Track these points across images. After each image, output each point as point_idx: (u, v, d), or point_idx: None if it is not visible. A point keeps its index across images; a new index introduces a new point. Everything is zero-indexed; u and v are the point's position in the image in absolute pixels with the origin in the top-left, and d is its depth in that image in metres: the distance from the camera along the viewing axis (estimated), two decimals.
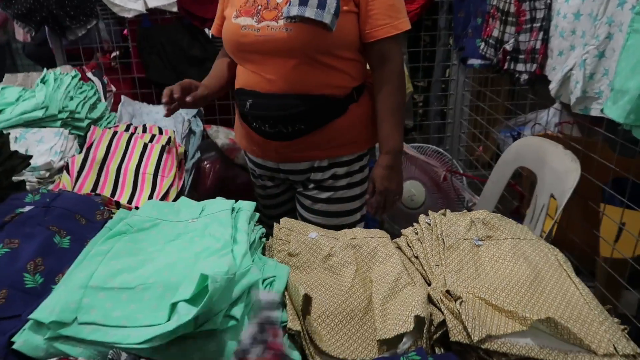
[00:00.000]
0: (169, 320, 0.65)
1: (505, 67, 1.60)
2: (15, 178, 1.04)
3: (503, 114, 2.35)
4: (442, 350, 0.72)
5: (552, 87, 1.34)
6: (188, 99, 1.27)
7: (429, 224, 0.97)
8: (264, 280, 0.77)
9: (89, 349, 0.63)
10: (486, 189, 1.73)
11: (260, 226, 0.96)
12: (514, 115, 2.28)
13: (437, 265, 0.87)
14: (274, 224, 0.99)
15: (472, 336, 0.67)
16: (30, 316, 0.65)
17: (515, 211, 1.81)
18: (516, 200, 1.85)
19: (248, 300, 0.70)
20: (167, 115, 1.28)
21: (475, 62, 1.96)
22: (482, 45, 1.79)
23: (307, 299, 0.72)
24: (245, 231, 0.83)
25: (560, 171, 1.33)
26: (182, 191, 1.34)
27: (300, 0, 1.11)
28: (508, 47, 1.57)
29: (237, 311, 0.66)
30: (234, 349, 0.65)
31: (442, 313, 0.73)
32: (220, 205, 0.92)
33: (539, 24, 1.43)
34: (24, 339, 0.64)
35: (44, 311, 0.66)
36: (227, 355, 0.64)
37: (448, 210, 1.01)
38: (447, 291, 0.75)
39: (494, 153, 2.33)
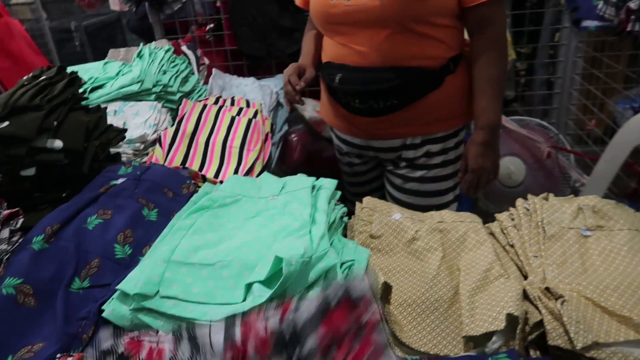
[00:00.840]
0: (244, 300, 0.64)
1: (629, 28, 1.38)
2: (112, 150, 1.10)
3: (622, 84, 2.07)
4: (537, 353, 0.64)
5: None
6: (299, 86, 1.24)
7: (528, 210, 0.87)
8: (342, 264, 0.73)
9: (169, 322, 0.65)
10: (598, 168, 1.55)
11: (342, 205, 0.92)
12: (635, 85, 2.00)
13: (536, 257, 0.78)
14: (356, 203, 0.95)
15: (575, 342, 0.59)
16: (117, 287, 0.68)
17: (631, 194, 1.61)
18: (633, 182, 1.63)
19: (325, 284, 0.67)
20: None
21: (591, 23, 1.73)
22: (601, 3, 1.57)
23: (387, 287, 0.68)
24: (325, 211, 0.80)
25: None
26: (268, 165, 1.35)
27: None
28: (633, 5, 1.36)
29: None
30: None
31: (540, 312, 0.65)
32: (301, 182, 0.90)
33: None
34: (112, 308, 0.67)
35: (130, 283, 0.68)
36: None
37: (551, 195, 0.90)
38: (547, 288, 0.67)
39: (608, 127, 2.08)
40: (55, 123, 0.89)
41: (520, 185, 2.07)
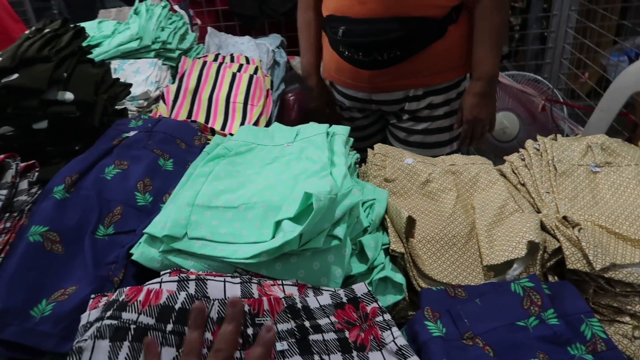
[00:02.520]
0: (273, 237, 0.66)
1: None
2: (117, 106, 1.09)
3: (613, 36, 2.09)
4: (555, 279, 0.68)
5: None
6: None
7: (538, 150, 0.89)
8: (363, 203, 0.75)
9: (199, 262, 0.66)
10: (593, 118, 1.58)
11: (355, 151, 0.93)
12: (626, 37, 2.02)
13: (548, 193, 0.80)
14: (368, 149, 0.96)
15: (594, 264, 0.62)
16: (145, 230, 0.69)
17: (623, 141, 1.64)
18: (627, 131, 1.67)
19: (350, 221, 0.69)
20: None
21: None
22: None
23: (411, 222, 0.70)
24: (343, 154, 0.81)
25: None
26: (269, 121, 1.34)
27: None
28: None
29: (339, 231, 0.66)
30: (337, 268, 0.65)
31: (558, 240, 0.68)
32: (314, 129, 0.91)
33: None
34: (141, 251, 0.68)
35: (157, 226, 0.69)
36: (331, 273, 0.64)
37: (559, 135, 0.92)
38: (564, 217, 0.69)
39: (600, 80, 2.11)
40: (65, 75, 0.87)
41: (514, 140, 2.10)
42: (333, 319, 0.57)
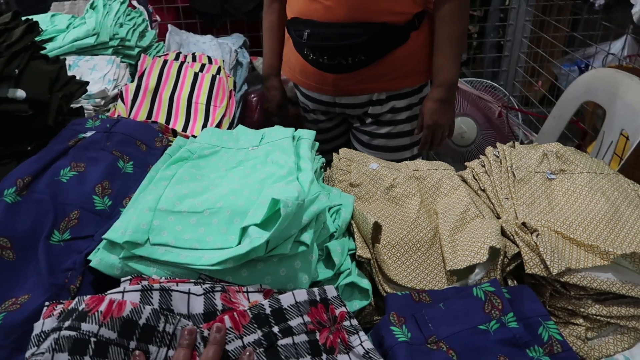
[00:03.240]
0: (239, 243, 0.65)
1: None
2: (73, 105, 1.04)
3: (565, 46, 2.18)
4: (515, 283, 0.70)
5: (636, 10, 1.21)
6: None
7: (497, 157, 0.92)
8: (330, 208, 0.75)
9: (162, 268, 0.64)
10: (546, 126, 1.65)
11: (321, 156, 0.93)
12: (576, 48, 2.12)
13: (507, 199, 0.83)
14: (334, 154, 0.96)
15: (551, 269, 0.64)
16: (104, 236, 0.66)
17: (576, 149, 1.72)
18: (577, 138, 1.75)
19: (317, 226, 0.69)
20: None
21: None
22: None
23: (377, 227, 0.70)
24: (309, 158, 0.81)
25: (635, 105, 1.23)
26: (232, 123, 1.33)
27: None
28: None
29: (306, 237, 0.65)
30: (304, 275, 0.64)
31: (517, 245, 0.70)
32: (280, 133, 0.90)
33: None
34: (100, 258, 0.65)
35: (117, 231, 0.66)
36: (298, 279, 0.63)
37: (517, 143, 0.96)
38: (523, 223, 0.72)
39: (552, 88, 2.20)
40: (16, 71, 0.83)
41: (472, 144, 2.16)
42: (307, 318, 0.56)
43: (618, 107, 1.31)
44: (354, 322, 0.58)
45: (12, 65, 0.83)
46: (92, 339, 0.47)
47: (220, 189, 0.76)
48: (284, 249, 0.63)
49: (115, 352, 0.48)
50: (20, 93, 0.83)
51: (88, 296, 0.52)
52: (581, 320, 0.66)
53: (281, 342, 0.54)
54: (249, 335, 0.54)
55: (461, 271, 0.70)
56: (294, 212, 0.63)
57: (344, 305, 0.59)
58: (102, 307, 0.50)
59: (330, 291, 0.59)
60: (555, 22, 2.12)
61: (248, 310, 0.56)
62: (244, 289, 0.61)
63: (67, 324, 0.49)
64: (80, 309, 0.50)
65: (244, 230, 0.65)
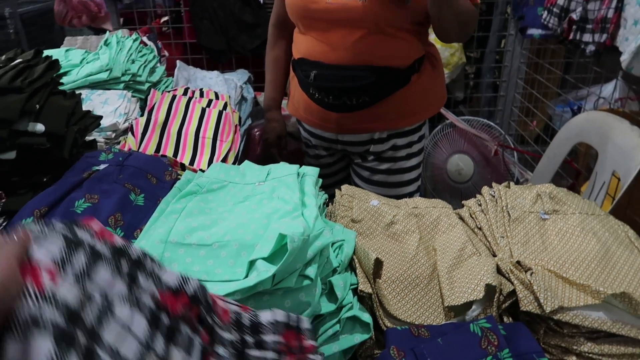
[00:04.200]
0: (246, 276, 0.67)
1: (571, 37, 1.53)
2: (87, 137, 1.09)
3: (557, 88, 2.26)
4: (510, 319, 0.73)
5: (624, 58, 1.28)
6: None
7: (493, 196, 0.96)
8: (333, 244, 0.78)
9: None
10: (541, 165, 1.69)
11: (324, 192, 0.97)
12: (569, 90, 2.19)
13: (503, 237, 0.86)
14: (336, 190, 1.00)
15: (545, 307, 0.67)
16: None
17: (569, 189, 1.76)
18: (571, 178, 1.80)
19: (321, 261, 0.72)
20: None
21: (535, 32, 1.88)
22: (545, 14, 1.72)
23: (379, 263, 0.73)
24: (314, 195, 0.84)
25: (626, 147, 1.28)
26: (237, 156, 1.37)
27: None
28: (575, 15, 1.51)
29: (311, 271, 0.68)
30: (308, 307, 0.67)
31: (512, 283, 0.73)
32: (285, 169, 0.94)
33: None
34: None
35: None
36: (301, 312, 0.66)
37: (512, 183, 1.00)
38: (518, 262, 0.75)
39: (546, 128, 2.27)
40: (37, 106, 0.87)
41: (469, 181, 2.21)
42: (279, 338, 0.57)
43: (610, 149, 1.36)
44: (318, 357, 0.59)
45: (33, 100, 0.87)
46: (87, 245, 0.42)
47: (228, 223, 0.79)
48: (289, 283, 0.66)
49: (109, 266, 0.43)
50: (40, 127, 0.87)
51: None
52: (574, 358, 0.68)
53: (252, 352, 0.54)
54: (226, 332, 0.53)
55: (459, 307, 0.73)
56: (299, 247, 0.66)
57: (315, 340, 0.60)
58: (96, 227, 0.44)
59: (305, 322, 0.60)
60: (549, 65, 2.20)
61: (230, 313, 0.55)
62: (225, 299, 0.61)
63: (59, 224, 0.41)
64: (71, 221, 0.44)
65: (252, 263, 0.68)
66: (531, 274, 0.72)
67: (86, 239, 0.42)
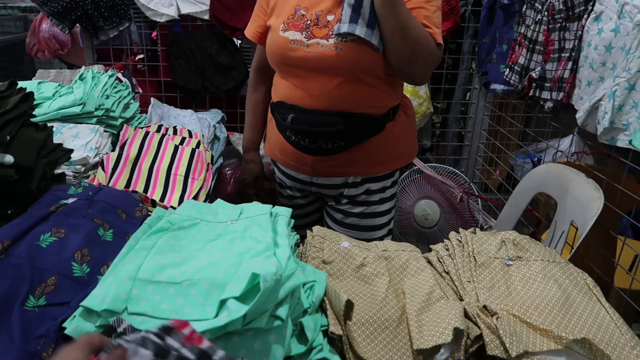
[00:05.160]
0: (216, 315, 0.67)
1: (531, 93, 1.63)
2: (56, 170, 1.07)
3: (518, 140, 2.38)
4: None
5: (579, 116, 1.36)
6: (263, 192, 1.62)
7: (460, 241, 0.99)
8: (304, 284, 0.78)
9: None
10: (504, 213, 1.75)
11: (295, 232, 0.98)
12: (530, 142, 2.31)
13: (469, 282, 0.88)
14: (307, 231, 1.01)
15: (510, 351, 0.69)
16: (82, 303, 0.67)
17: (531, 236, 1.82)
18: (532, 226, 1.86)
19: (292, 301, 0.72)
20: None
21: (498, 87, 1.99)
22: (507, 71, 1.82)
23: (350, 305, 0.74)
24: (287, 235, 0.85)
25: (582, 199, 1.35)
26: (208, 194, 1.37)
27: (350, 17, 1.14)
28: (534, 74, 1.61)
29: (282, 312, 0.68)
30: (278, 349, 0.66)
31: (479, 327, 0.75)
32: (258, 209, 0.94)
33: (567, 54, 1.46)
34: (76, 325, 0.66)
35: (95, 299, 0.68)
36: (271, 354, 0.65)
37: (477, 229, 1.03)
38: (484, 306, 0.77)
39: (508, 177, 2.36)
40: (8, 137, 0.86)
41: (435, 226, 2.25)
42: None
43: (568, 200, 1.43)
44: None
45: (5, 132, 0.86)
46: (174, 352, 0.49)
47: (199, 261, 0.79)
48: (260, 323, 0.66)
49: None
50: (9, 158, 0.85)
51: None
52: None
53: None
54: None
55: (427, 350, 0.73)
56: (272, 287, 0.66)
57: None
58: (186, 331, 0.51)
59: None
60: (511, 118, 2.32)
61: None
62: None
63: (153, 330, 0.50)
64: (167, 324, 0.51)
65: (223, 302, 0.67)
66: (497, 319, 0.74)
67: (175, 346, 0.49)
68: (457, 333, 0.72)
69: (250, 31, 1.41)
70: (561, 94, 1.49)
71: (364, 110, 1.26)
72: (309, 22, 1.22)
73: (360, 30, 1.14)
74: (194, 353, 0.50)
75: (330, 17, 1.21)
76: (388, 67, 1.23)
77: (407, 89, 2.30)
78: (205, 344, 0.51)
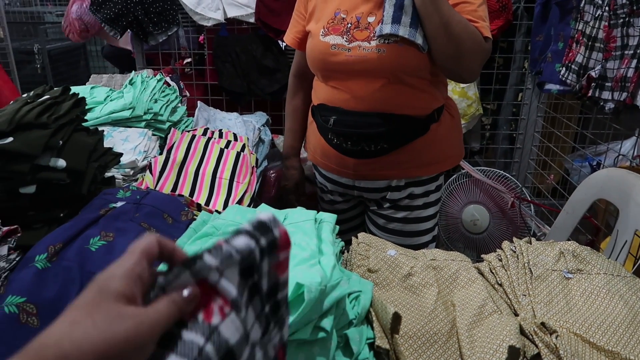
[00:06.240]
0: None
1: (590, 94, 1.53)
2: (105, 174, 1.09)
3: (574, 142, 2.25)
4: None
5: None
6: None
7: (514, 251, 0.93)
8: (349, 295, 0.76)
9: None
10: (559, 220, 1.66)
11: (340, 239, 0.95)
12: (587, 145, 2.18)
13: (524, 295, 0.83)
14: (353, 238, 0.98)
15: None
16: None
17: (589, 245, 1.72)
18: (590, 234, 1.76)
19: (337, 312, 0.69)
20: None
21: (553, 87, 1.89)
22: (563, 70, 1.73)
23: (397, 318, 0.71)
24: (331, 242, 0.83)
25: None
26: (253, 198, 1.36)
27: (393, 18, 1.11)
28: (594, 73, 1.51)
29: (326, 323, 0.66)
30: None
31: (537, 346, 0.70)
32: (303, 215, 0.93)
33: (631, 51, 1.37)
34: None
35: None
36: None
37: (533, 239, 0.97)
38: (542, 323, 0.72)
39: (564, 181, 2.25)
40: (60, 142, 0.88)
41: (484, 232, 2.17)
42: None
43: (631, 208, 1.33)
44: None
45: (57, 136, 0.88)
46: (253, 280, 0.44)
47: None
48: (304, 334, 0.64)
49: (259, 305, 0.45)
50: (61, 163, 0.87)
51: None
52: None
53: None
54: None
55: None
56: (317, 298, 0.64)
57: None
58: (282, 257, 0.47)
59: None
60: (566, 119, 2.20)
61: None
62: None
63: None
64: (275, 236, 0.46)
65: None
66: (557, 337, 0.69)
67: (263, 270, 0.45)
68: (513, 352, 0.67)
69: (289, 37, 1.41)
70: (624, 94, 1.40)
71: (407, 112, 1.22)
72: (349, 25, 1.20)
73: (403, 30, 1.11)
74: (270, 286, 0.45)
75: (371, 19, 1.18)
76: (433, 66, 1.19)
77: (456, 90, 2.22)
78: (286, 276, 0.47)
